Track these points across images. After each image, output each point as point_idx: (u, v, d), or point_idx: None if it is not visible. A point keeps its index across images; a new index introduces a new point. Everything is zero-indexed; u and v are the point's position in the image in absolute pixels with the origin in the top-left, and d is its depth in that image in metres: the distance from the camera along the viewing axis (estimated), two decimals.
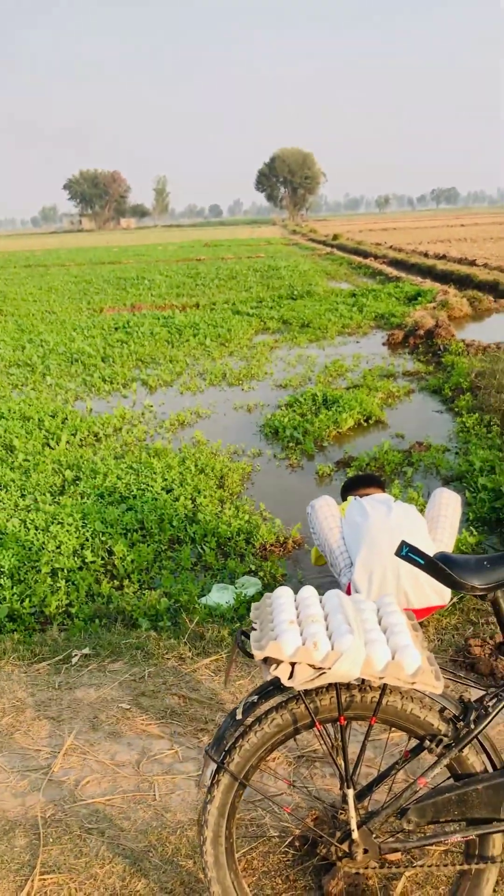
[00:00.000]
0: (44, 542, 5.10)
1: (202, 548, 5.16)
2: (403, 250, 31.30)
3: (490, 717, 1.83)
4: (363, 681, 1.82)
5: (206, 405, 9.19)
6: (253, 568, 4.88)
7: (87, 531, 5.28)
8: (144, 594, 4.49)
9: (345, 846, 1.85)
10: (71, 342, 13.29)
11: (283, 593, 1.98)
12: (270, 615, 1.89)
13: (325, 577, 4.45)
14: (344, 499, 4.29)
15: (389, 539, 3.46)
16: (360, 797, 1.98)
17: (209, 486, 6.14)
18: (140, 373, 11.17)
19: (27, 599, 4.45)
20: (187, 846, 2.33)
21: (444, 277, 20.84)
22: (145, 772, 2.70)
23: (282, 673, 1.70)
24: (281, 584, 4.73)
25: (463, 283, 19.38)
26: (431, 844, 1.87)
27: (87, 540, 5.21)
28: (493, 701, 1.85)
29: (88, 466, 6.60)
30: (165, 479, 6.22)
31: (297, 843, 2.26)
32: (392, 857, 1.95)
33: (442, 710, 1.87)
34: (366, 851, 1.85)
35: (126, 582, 4.73)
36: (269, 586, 4.66)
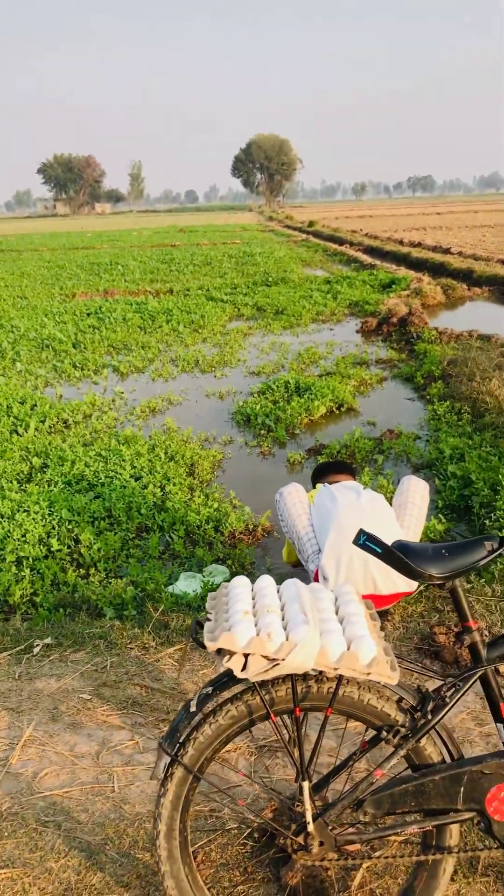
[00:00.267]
0: (9, 531, 5.02)
1: (170, 536, 5.11)
2: (379, 238, 31.29)
3: (447, 708, 1.81)
4: (321, 671, 1.79)
5: (177, 392, 9.12)
6: (221, 556, 4.84)
7: (54, 519, 5.21)
8: (111, 583, 4.43)
9: (300, 839, 1.83)
10: (42, 328, 13.13)
11: (240, 583, 1.94)
12: (226, 605, 1.85)
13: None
14: (314, 485, 4.26)
15: (358, 525, 3.43)
16: (317, 789, 1.96)
17: (179, 473, 6.08)
18: (112, 359, 11.06)
19: None
20: (145, 838, 2.29)
21: (418, 265, 20.86)
22: (105, 763, 2.66)
23: (234, 665, 1.66)
24: (250, 573, 4.70)
25: (437, 270, 19.42)
26: (388, 836, 1.85)
27: (54, 528, 5.14)
28: (451, 691, 1.83)
29: (56, 454, 6.51)
30: (134, 467, 6.16)
31: (255, 835, 2.23)
32: (350, 848, 1.93)
33: (400, 700, 1.84)
34: (321, 844, 1.83)
35: (92, 570, 4.67)
36: (237, 574, 4.62)
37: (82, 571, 4.71)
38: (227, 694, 1.83)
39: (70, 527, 5.14)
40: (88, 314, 14.54)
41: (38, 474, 6.17)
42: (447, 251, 23.04)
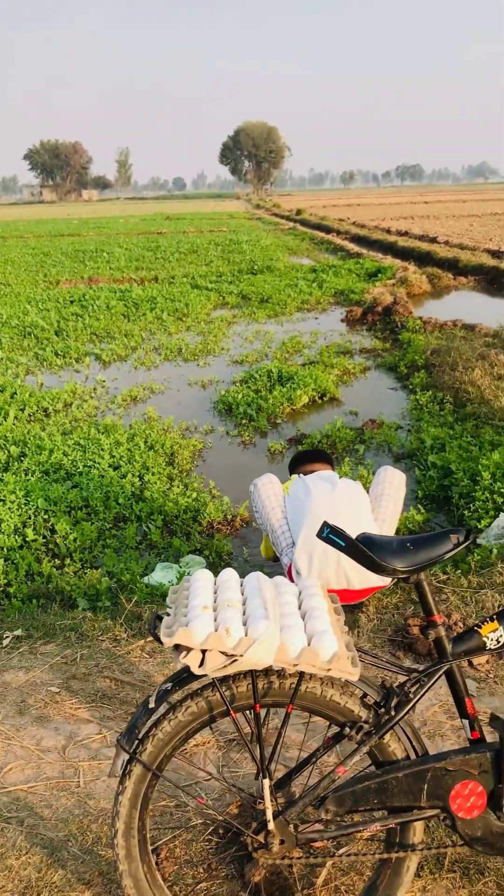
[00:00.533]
0: None
1: (148, 526, 5.06)
2: (366, 226, 31.20)
3: (411, 704, 1.78)
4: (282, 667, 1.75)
5: (160, 381, 9.05)
6: (199, 547, 4.80)
7: (30, 509, 5.15)
8: (86, 573, 4.38)
9: (260, 837, 1.79)
10: (25, 315, 13.01)
11: (201, 576, 1.90)
12: (186, 600, 1.81)
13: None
14: (292, 473, 4.22)
15: (332, 518, 3.39)
16: (280, 786, 1.92)
17: (158, 463, 6.03)
18: (94, 347, 10.97)
19: None
20: (108, 835, 2.25)
21: (405, 254, 20.80)
22: (71, 757, 2.62)
23: (191, 661, 1.62)
24: (227, 563, 4.66)
25: (423, 259, 19.37)
26: (349, 834, 1.82)
27: (30, 518, 5.08)
28: (415, 687, 1.80)
29: (34, 442, 6.44)
30: (113, 456, 6.10)
31: (221, 831, 2.20)
32: (312, 845, 1.90)
33: (364, 696, 1.81)
34: (282, 842, 1.80)
35: (68, 561, 4.61)
36: (214, 565, 4.59)
37: (58, 562, 4.66)
38: (187, 690, 1.79)
39: (46, 517, 5.08)
40: (72, 302, 14.41)
41: (16, 463, 6.10)
42: (434, 240, 22.99)
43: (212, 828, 2.21)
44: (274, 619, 1.67)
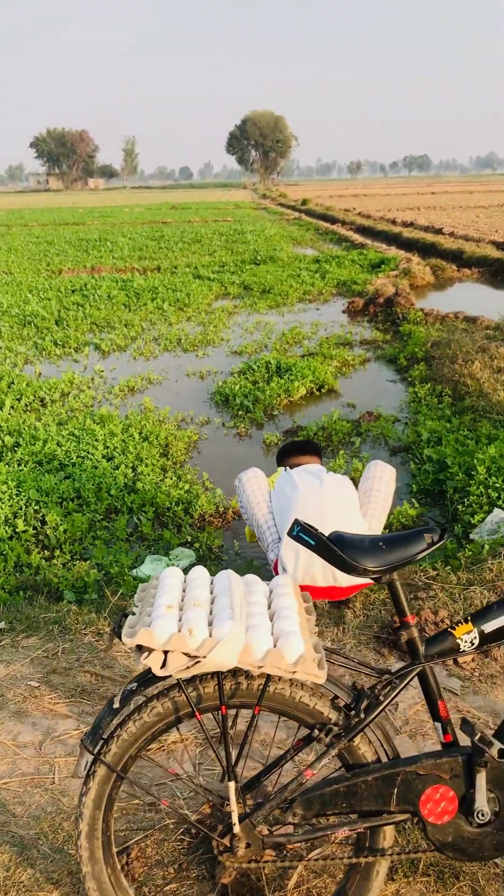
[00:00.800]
0: None
1: (139, 518, 5.02)
2: (372, 217, 31.04)
3: (381, 707, 1.74)
4: None
5: (158, 371, 9.00)
6: (189, 539, 4.76)
7: (22, 499, 5.12)
8: (75, 565, 4.35)
9: (226, 840, 1.76)
10: (25, 304, 12.95)
11: (171, 574, 1.86)
12: (152, 598, 1.77)
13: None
14: (279, 465, 4.16)
15: (319, 513, 3.35)
16: (248, 788, 1.89)
17: (152, 454, 5.99)
18: (94, 337, 10.92)
19: None
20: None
21: (409, 245, 20.68)
22: (47, 753, 2.59)
23: (152, 662, 1.58)
24: (217, 556, 4.63)
25: (428, 251, 19.25)
26: (317, 838, 1.79)
27: (21, 509, 5.05)
28: (386, 689, 1.75)
29: (29, 432, 6.40)
30: (107, 447, 6.06)
31: (192, 831, 2.17)
32: (271, 852, 1.85)
33: (334, 698, 1.77)
34: (248, 845, 1.76)
35: (57, 552, 4.58)
36: (204, 558, 4.56)
37: (47, 553, 4.63)
38: (152, 690, 1.76)
39: (37, 507, 5.05)
40: (73, 291, 14.35)
41: (9, 453, 6.07)
42: (439, 231, 22.85)
43: (183, 828, 2.18)
44: (240, 620, 1.63)
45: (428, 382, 7.75)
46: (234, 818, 1.73)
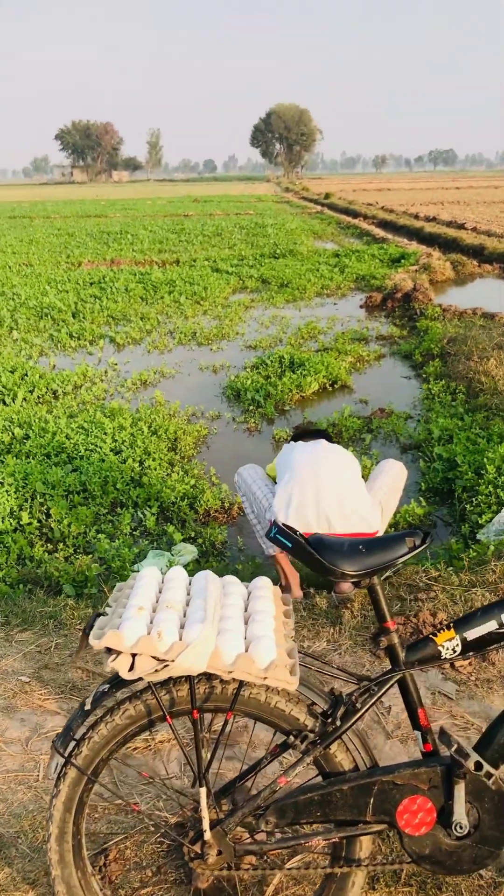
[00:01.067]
0: None
1: (143, 513, 5.00)
2: (394, 211, 30.81)
3: (358, 715, 1.69)
4: None
5: (171, 365, 8.98)
6: (193, 534, 4.73)
7: (27, 492, 5.11)
8: (77, 559, 4.34)
9: (197, 847, 1.72)
10: (43, 296, 12.97)
11: (148, 574, 1.82)
12: (127, 598, 1.73)
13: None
14: None
15: (313, 463, 3.45)
16: (224, 792, 1.85)
17: (160, 448, 5.96)
18: (110, 330, 10.92)
19: None
20: None
21: (430, 240, 20.49)
22: (33, 750, 2.57)
23: (120, 665, 1.54)
24: (220, 552, 4.60)
25: (449, 246, 19.06)
26: (290, 847, 1.75)
27: (27, 501, 5.04)
28: (364, 697, 1.71)
29: (39, 425, 6.40)
30: (115, 441, 6.05)
31: (171, 835, 2.13)
32: (249, 859, 1.82)
33: (311, 704, 1.72)
34: (220, 853, 1.72)
35: (61, 546, 4.57)
36: (207, 553, 4.53)
37: (50, 546, 4.62)
38: (125, 692, 1.72)
39: (43, 500, 5.04)
40: (91, 283, 14.36)
41: (18, 445, 6.07)
42: (461, 226, 22.61)
43: (161, 831, 2.14)
44: (211, 623, 1.59)
45: (442, 379, 7.66)
46: (205, 824, 1.69)
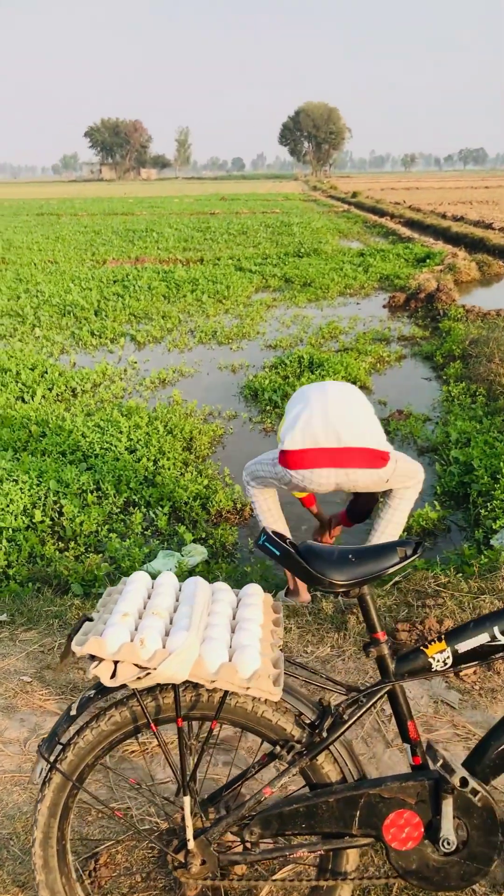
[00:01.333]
0: None
1: (155, 512, 5.00)
2: (421, 210, 30.60)
3: (346, 726, 1.67)
4: None
5: (190, 363, 8.98)
6: (204, 535, 4.72)
7: (41, 490, 5.13)
8: (87, 558, 4.34)
9: (180, 856, 1.71)
10: (67, 294, 13.04)
11: (137, 579, 1.81)
12: (114, 604, 1.72)
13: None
14: None
15: (320, 387, 3.44)
16: (212, 800, 1.83)
17: (175, 448, 5.96)
18: (131, 328, 10.94)
19: None
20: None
21: (457, 240, 20.31)
22: (31, 751, 2.57)
23: (102, 672, 1.53)
24: (230, 553, 4.58)
25: (475, 246, 18.88)
26: (275, 859, 1.73)
27: (40, 499, 5.06)
28: (352, 708, 1.68)
29: (56, 423, 6.43)
30: (131, 439, 6.05)
31: (155, 843, 2.12)
32: (238, 868, 1.80)
33: (299, 714, 1.70)
34: (203, 863, 1.71)
35: (72, 544, 4.58)
36: (217, 554, 4.52)
37: (62, 545, 4.63)
38: (111, 698, 1.71)
39: (56, 498, 5.06)
40: (115, 281, 14.41)
41: (35, 443, 6.10)
42: (489, 226, 22.40)
43: (149, 838, 2.13)
44: (195, 631, 1.57)
45: (463, 381, 7.58)
46: (189, 833, 1.68)
